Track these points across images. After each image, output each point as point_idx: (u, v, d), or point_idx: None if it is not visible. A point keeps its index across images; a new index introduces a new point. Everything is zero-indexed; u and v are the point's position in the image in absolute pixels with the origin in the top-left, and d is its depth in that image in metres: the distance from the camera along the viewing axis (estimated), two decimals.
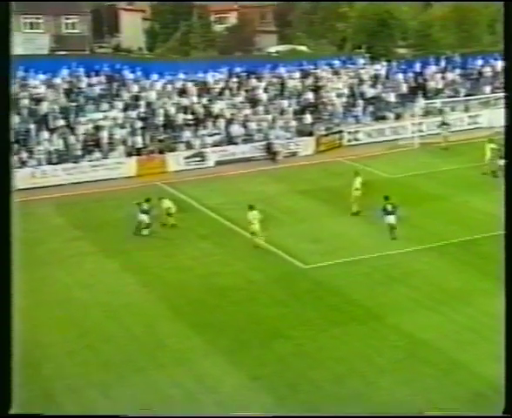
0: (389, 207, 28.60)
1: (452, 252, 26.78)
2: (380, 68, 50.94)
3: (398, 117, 47.31)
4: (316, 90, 47.56)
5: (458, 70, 51.21)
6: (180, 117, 43.45)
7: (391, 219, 28.47)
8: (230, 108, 44.73)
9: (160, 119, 43.07)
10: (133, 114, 42.94)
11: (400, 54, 56.52)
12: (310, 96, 46.89)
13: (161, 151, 41.14)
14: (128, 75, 45.65)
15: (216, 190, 35.98)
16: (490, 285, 23.56)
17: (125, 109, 43.26)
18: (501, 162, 34.64)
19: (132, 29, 73.09)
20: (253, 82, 47.42)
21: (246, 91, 46.67)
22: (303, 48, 60.78)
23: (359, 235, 29.13)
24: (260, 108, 45.18)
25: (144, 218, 29.84)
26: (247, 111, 44.63)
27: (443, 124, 43.57)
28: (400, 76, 50.14)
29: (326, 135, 44.33)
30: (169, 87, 45.63)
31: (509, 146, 6.50)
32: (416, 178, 36.77)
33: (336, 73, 49.79)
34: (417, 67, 51.16)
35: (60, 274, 25.99)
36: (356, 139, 45.03)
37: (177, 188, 36.57)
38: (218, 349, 20.07)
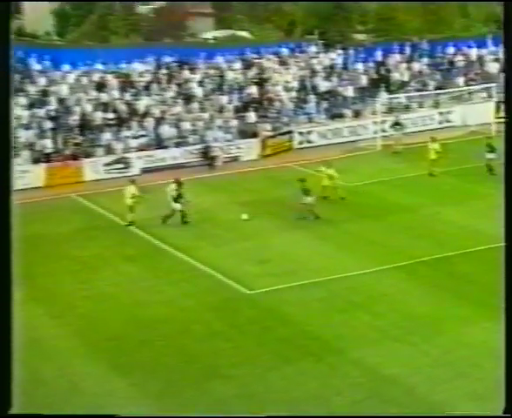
0: (307, 187, 32.26)
1: (421, 273, 27.08)
2: (336, 57, 51.52)
3: (357, 114, 47.86)
4: (261, 83, 47.77)
5: (426, 60, 52.17)
6: (99, 116, 43.05)
7: (309, 199, 32.07)
8: (158, 105, 44.54)
9: (74, 119, 42.58)
10: (41, 112, 42.36)
11: (358, 40, 57.19)
12: (254, 90, 47.06)
13: (76, 157, 40.64)
14: (34, 65, 45.04)
15: (142, 202, 35.65)
16: (467, 310, 23.92)
17: (31, 106, 42.63)
18: (491, 156, 36.49)
19: (38, 9, 72.08)
20: (186, 74, 47.36)
21: (178, 84, 46.57)
22: (244, 33, 60.96)
23: (313, 254, 29.24)
24: (195, 105, 45.12)
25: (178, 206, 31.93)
26: (179, 109, 44.51)
27: (396, 124, 44.10)
28: (359, 66, 50.81)
29: (274, 136, 44.50)
30: (84, 80, 45.18)
31: (509, 146, 6.97)
32: (378, 186, 37.17)
33: (284, 63, 50.13)
34: (378, 56, 51.93)
35: None
36: (308, 141, 45.36)
37: (95, 201, 36.14)
38: (144, 393, 19.82)
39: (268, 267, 27.95)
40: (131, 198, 32.63)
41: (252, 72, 48.61)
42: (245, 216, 32.79)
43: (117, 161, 40.96)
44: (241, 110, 45.66)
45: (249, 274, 27.31)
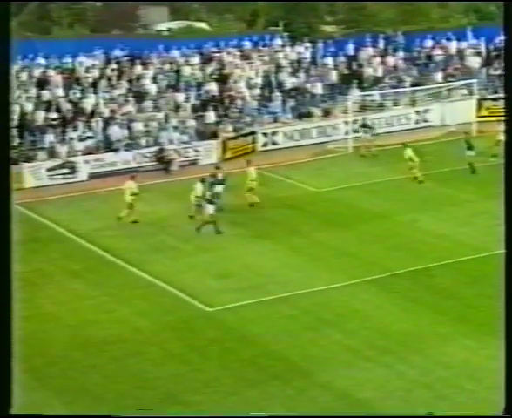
0: (220, 176, 33.68)
1: (397, 287, 27.28)
2: (303, 50, 51.75)
3: (326, 113, 48.09)
4: (221, 79, 47.82)
5: (401, 53, 52.60)
6: (40, 116, 42.79)
7: (219, 188, 33.48)
8: (108, 103, 44.38)
9: (13, 118, 42.28)
10: None
11: (327, 33, 57.60)
12: (213, 87, 47.11)
13: (15, 162, 40.34)
14: None
15: (90, 212, 35.52)
16: (446, 327, 24.17)
17: None
18: (471, 153, 37.45)
19: None
20: (138, 69, 47.27)
21: (129, 81, 46.45)
22: (202, 25, 61.11)
23: (280, 266, 29.31)
24: (148, 103, 45.04)
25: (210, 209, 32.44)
26: (131, 108, 44.41)
27: (363, 126, 44.27)
28: (329, 60, 51.07)
29: (235, 138, 44.57)
30: (24, 75, 44.91)
31: (509, 146, 7.54)
32: (350, 191, 37.38)
33: (246, 57, 50.25)
34: (350, 49, 52.25)
35: None
36: (274, 143, 45.48)
37: (36, 210, 35.88)
38: None
39: (230, 282, 27.96)
40: (131, 196, 33.78)
41: (212, 67, 48.66)
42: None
43: (61, 166, 40.71)
44: (199, 109, 45.66)
45: (209, 290, 27.31)
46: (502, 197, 8.38)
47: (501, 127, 42.92)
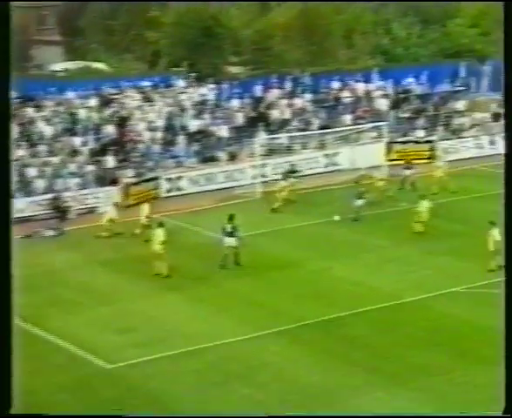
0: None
1: (308, 337, 27.39)
2: (207, 92, 51.98)
3: (233, 157, 48.29)
4: (120, 122, 47.62)
5: (309, 95, 53.29)
6: None
7: (231, 241, 33.26)
8: None
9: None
10: None
11: (232, 73, 57.98)
12: (112, 130, 46.85)
13: None
14: None
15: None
16: (357, 379, 24.34)
17: None
18: (359, 202, 38.35)
19: None
20: (31, 112, 46.69)
21: (21, 124, 45.81)
22: (100, 65, 60.83)
23: (186, 319, 29.15)
24: (42, 148, 44.47)
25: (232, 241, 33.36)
26: (23, 153, 43.77)
27: (290, 172, 44.49)
28: (235, 102, 51.41)
29: (137, 183, 44.31)
30: None
31: (509, 147, 8.06)
32: (259, 238, 37.47)
33: (147, 99, 50.21)
34: (256, 91, 52.72)
35: None
36: (178, 189, 45.41)
37: None
38: None
39: (132, 336, 27.63)
40: (161, 245, 32.66)
41: (110, 110, 48.42)
42: (337, 217, 38.27)
43: None
44: (98, 153, 45.31)
45: (109, 345, 26.93)
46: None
47: (383, 172, 44.50)
